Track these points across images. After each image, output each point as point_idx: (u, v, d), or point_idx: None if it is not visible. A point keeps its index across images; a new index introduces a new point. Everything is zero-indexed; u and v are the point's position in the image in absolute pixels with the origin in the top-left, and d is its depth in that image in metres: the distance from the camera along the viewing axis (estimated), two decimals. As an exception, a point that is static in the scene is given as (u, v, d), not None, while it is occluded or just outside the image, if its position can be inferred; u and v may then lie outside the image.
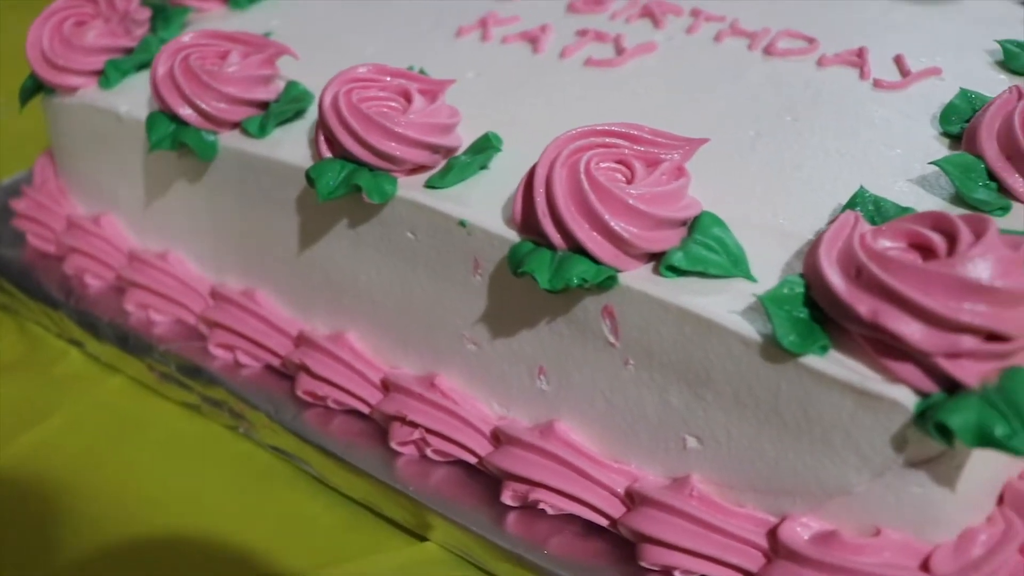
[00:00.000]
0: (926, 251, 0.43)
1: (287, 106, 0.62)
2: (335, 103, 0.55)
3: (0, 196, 0.84)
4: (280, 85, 0.64)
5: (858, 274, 0.42)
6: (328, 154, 0.56)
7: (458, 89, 0.61)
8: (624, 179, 0.48)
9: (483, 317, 0.54)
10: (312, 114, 0.62)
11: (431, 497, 0.55)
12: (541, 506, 0.52)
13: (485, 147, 0.55)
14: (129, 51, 0.72)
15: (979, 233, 0.42)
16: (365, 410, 0.60)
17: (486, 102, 0.62)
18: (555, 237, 0.47)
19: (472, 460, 0.55)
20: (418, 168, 0.55)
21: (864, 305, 0.41)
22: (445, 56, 0.68)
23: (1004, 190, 0.51)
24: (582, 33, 0.69)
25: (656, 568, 0.49)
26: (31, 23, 0.71)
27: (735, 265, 0.46)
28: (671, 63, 0.65)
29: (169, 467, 0.63)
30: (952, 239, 0.42)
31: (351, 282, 0.60)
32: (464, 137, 0.57)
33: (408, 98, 0.57)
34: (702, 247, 0.47)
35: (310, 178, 0.55)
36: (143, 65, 0.70)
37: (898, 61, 0.63)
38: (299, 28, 0.74)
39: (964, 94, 0.57)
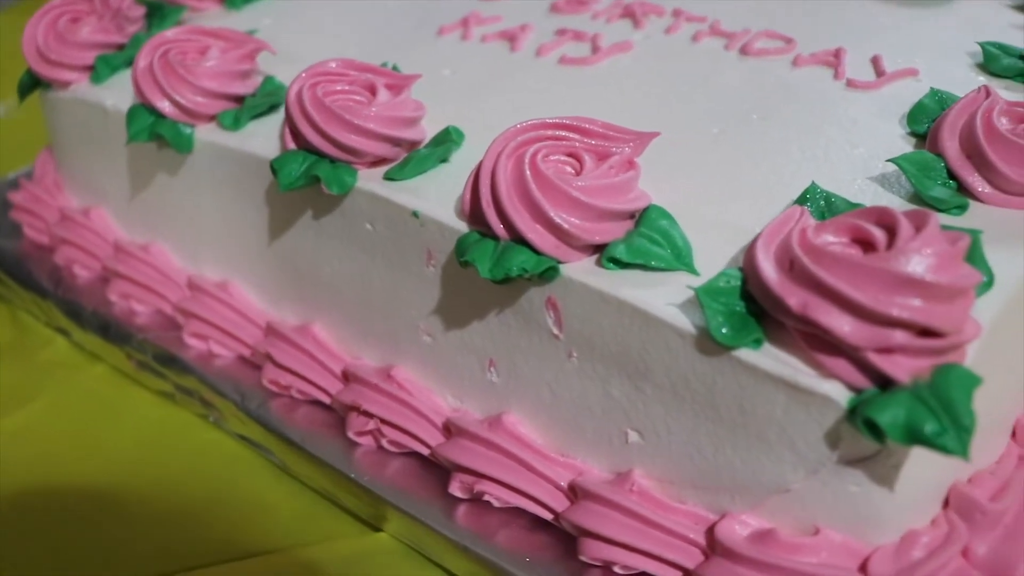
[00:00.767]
0: (868, 246, 0.42)
1: (262, 100, 0.63)
2: (299, 96, 0.55)
3: (4, 189, 0.86)
4: (258, 80, 0.65)
5: (791, 266, 0.41)
6: (292, 146, 0.56)
7: (431, 86, 0.62)
8: (573, 171, 0.48)
9: (437, 308, 0.54)
10: (286, 108, 0.63)
11: (385, 488, 0.56)
12: (486, 498, 0.52)
13: (444, 140, 0.56)
14: (121, 47, 0.74)
15: (919, 228, 0.41)
16: (327, 400, 0.60)
17: (456, 98, 0.62)
18: (498, 227, 0.47)
19: (425, 451, 0.56)
20: (380, 161, 0.56)
21: (795, 297, 0.40)
22: (424, 54, 0.69)
23: (964, 189, 0.50)
24: (561, 32, 0.69)
25: (596, 563, 0.48)
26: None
27: (678, 258, 0.46)
28: (645, 62, 0.65)
29: (140, 453, 0.65)
30: (893, 234, 0.42)
31: (316, 273, 0.60)
32: (430, 132, 0.58)
33: (374, 92, 0.57)
34: (646, 240, 0.47)
35: (274, 169, 0.56)
36: (132, 61, 0.71)
37: (875, 62, 0.62)
38: (287, 27, 0.75)
39: (934, 94, 0.56)
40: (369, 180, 0.55)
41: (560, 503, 0.50)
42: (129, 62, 0.72)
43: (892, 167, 0.51)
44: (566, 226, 0.46)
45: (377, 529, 0.57)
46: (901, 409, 0.38)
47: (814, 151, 0.54)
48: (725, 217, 0.49)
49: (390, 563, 0.55)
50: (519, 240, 0.47)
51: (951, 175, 0.50)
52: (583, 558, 0.48)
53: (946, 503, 0.46)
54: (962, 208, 0.49)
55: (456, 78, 0.65)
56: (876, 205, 0.43)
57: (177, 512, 0.60)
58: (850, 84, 0.60)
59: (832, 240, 0.43)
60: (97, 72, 0.71)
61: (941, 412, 0.38)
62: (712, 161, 0.54)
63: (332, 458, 0.58)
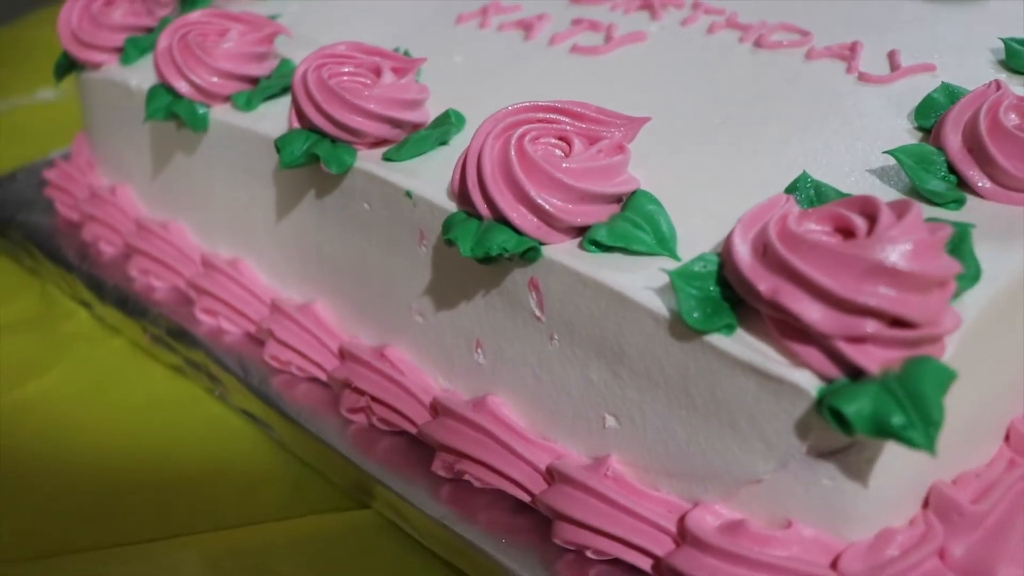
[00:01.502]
0: (849, 234, 0.41)
1: (275, 82, 0.64)
2: (304, 77, 0.56)
3: (44, 168, 0.89)
4: (274, 63, 0.67)
5: (764, 251, 0.40)
6: (297, 125, 0.57)
7: (441, 71, 0.63)
8: (563, 154, 0.48)
9: (428, 289, 0.54)
10: (298, 90, 0.64)
11: (373, 465, 0.56)
12: (467, 478, 0.52)
13: (444, 123, 0.56)
14: (151, 30, 0.76)
15: (900, 217, 0.40)
16: (323, 377, 0.61)
17: (464, 83, 0.62)
18: (482, 207, 0.47)
19: (413, 430, 0.56)
20: (381, 142, 0.56)
21: (765, 283, 0.40)
22: (439, 40, 0.69)
23: (964, 184, 0.48)
24: (576, 22, 0.69)
25: (570, 547, 0.48)
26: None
27: (660, 243, 0.46)
28: (657, 53, 0.65)
29: (148, 423, 0.66)
30: (874, 223, 0.41)
31: (318, 253, 0.61)
32: (435, 115, 0.58)
33: (379, 75, 0.58)
34: (629, 224, 0.46)
35: (277, 147, 0.57)
36: (158, 43, 0.74)
37: (891, 56, 0.61)
38: (312, 13, 0.77)
39: (946, 88, 0.55)
40: (368, 160, 0.55)
41: (539, 486, 0.50)
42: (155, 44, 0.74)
43: (893, 161, 0.50)
44: (547, 207, 0.46)
45: (365, 506, 0.58)
46: (868, 400, 0.38)
47: (814, 143, 0.53)
48: (716, 205, 0.49)
49: (375, 539, 0.56)
50: (502, 220, 0.47)
51: (952, 169, 0.49)
52: (556, 540, 0.48)
53: (927, 503, 0.44)
54: (959, 202, 0.47)
55: (467, 64, 0.66)
56: (860, 195, 0.43)
57: (177, 480, 0.62)
58: (862, 78, 0.59)
59: (814, 228, 0.42)
60: (126, 54, 0.74)
61: (909, 405, 0.37)
62: (711, 150, 0.53)
63: (325, 434, 0.59)
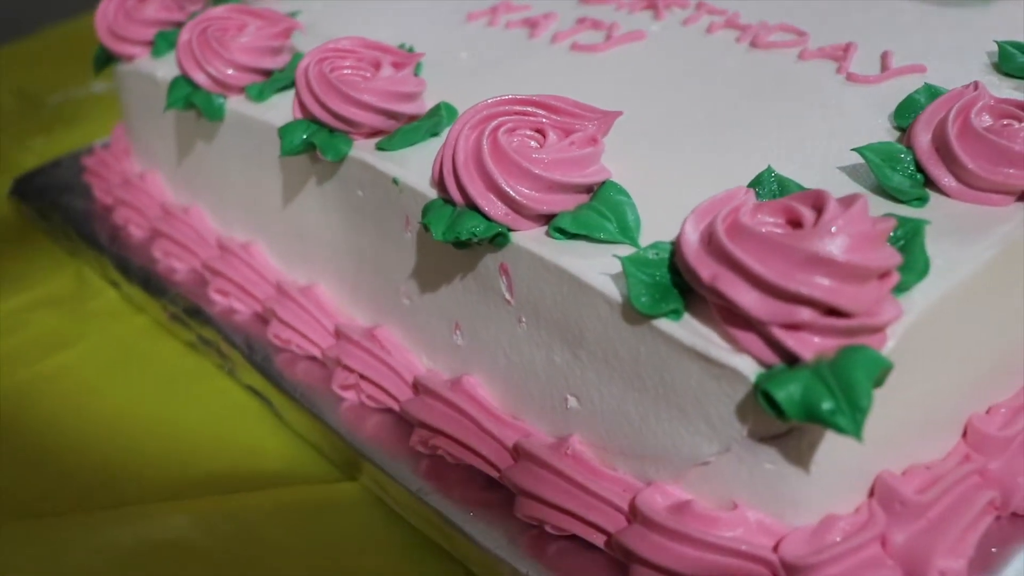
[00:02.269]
0: (799, 226, 0.43)
1: (286, 74, 0.67)
2: (306, 70, 0.59)
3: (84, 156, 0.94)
4: (288, 57, 0.70)
5: (710, 240, 0.42)
6: (298, 115, 0.61)
7: (445, 66, 0.65)
8: (537, 145, 0.50)
9: (413, 272, 0.57)
10: (309, 82, 0.67)
11: (360, 440, 0.59)
12: (440, 453, 0.54)
13: (434, 115, 0.58)
14: (180, 25, 0.80)
15: (845, 209, 0.41)
16: (319, 355, 0.64)
17: (463, 78, 0.65)
18: (455, 194, 0.50)
19: (396, 407, 0.58)
20: (377, 132, 0.59)
21: (707, 269, 0.41)
22: (447, 38, 0.72)
23: (931, 183, 0.49)
24: (580, 21, 0.71)
25: (531, 521, 0.50)
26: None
27: (623, 232, 0.47)
28: (654, 51, 0.66)
29: (160, 396, 0.70)
30: (820, 214, 0.42)
31: (319, 238, 0.64)
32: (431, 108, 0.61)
33: (379, 68, 0.61)
34: (595, 213, 0.48)
35: (280, 136, 0.60)
36: (185, 37, 0.78)
37: (883, 58, 0.61)
38: (331, 11, 0.80)
39: (928, 89, 0.55)
40: (362, 150, 0.58)
41: (506, 463, 0.52)
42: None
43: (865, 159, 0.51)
44: (515, 195, 0.48)
45: (353, 478, 0.61)
46: (799, 385, 0.39)
47: (791, 140, 0.54)
48: (685, 198, 0.49)
49: (359, 510, 0.58)
50: (473, 207, 0.49)
51: (920, 168, 0.50)
52: (517, 515, 0.50)
53: (872, 492, 0.45)
54: (923, 200, 0.48)
55: (470, 60, 0.68)
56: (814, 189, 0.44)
57: (182, 450, 0.65)
58: (850, 78, 0.60)
59: (767, 220, 0.43)
60: (156, 47, 0.78)
61: (839, 391, 0.38)
62: (689, 144, 0.55)
63: (319, 410, 0.62)
